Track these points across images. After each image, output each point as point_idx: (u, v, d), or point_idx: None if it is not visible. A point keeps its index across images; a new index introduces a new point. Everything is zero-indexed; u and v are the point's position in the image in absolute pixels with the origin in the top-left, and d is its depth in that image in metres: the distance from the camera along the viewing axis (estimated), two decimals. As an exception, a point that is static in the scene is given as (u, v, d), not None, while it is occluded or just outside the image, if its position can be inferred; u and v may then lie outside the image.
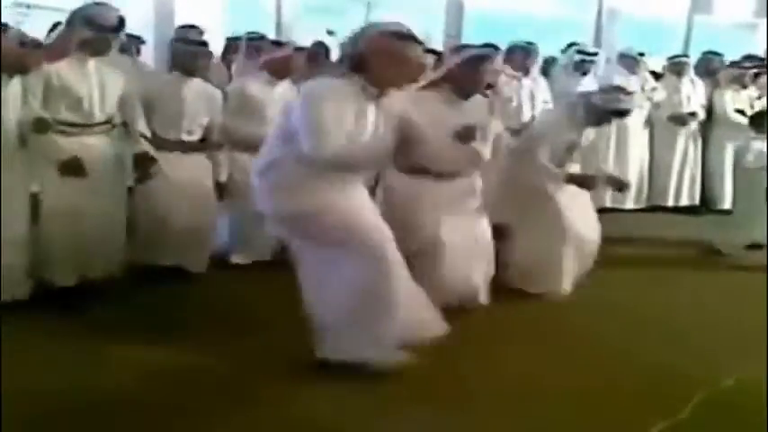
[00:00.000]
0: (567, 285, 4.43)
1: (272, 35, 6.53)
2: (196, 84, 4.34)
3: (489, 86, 4.77)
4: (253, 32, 5.68)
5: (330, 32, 5.97)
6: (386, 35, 3.02)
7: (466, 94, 3.85)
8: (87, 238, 3.84)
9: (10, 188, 3.63)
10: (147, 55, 6.44)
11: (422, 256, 3.59)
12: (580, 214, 4.43)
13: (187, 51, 4.34)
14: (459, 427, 2.89)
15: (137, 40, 6.07)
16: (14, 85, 3.64)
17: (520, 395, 3.13)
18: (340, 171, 3.05)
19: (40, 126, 3.64)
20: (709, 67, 7.52)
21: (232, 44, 6.04)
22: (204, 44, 4.54)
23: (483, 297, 4.04)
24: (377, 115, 3.11)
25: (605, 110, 4.30)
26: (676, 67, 7.30)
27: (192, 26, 5.82)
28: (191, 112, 4.31)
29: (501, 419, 2.92)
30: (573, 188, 4.36)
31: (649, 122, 7.28)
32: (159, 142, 4.17)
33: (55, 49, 3.75)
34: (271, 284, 3.89)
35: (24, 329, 3.45)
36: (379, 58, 2.99)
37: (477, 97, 3.99)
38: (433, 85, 3.81)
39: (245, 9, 7.81)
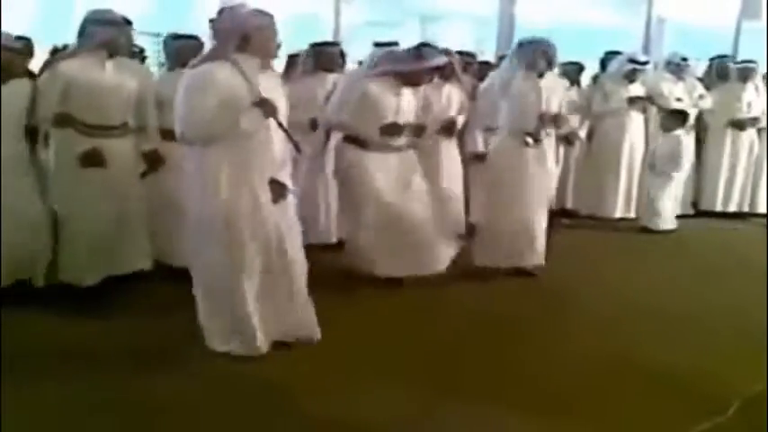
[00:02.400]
0: None
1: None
2: None
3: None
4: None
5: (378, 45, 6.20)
6: None
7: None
8: (107, 237, 4.06)
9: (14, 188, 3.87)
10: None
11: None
12: None
13: (187, 46, 4.55)
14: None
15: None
16: (17, 87, 3.90)
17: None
18: None
19: (61, 120, 3.92)
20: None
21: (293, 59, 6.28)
22: (197, 37, 4.68)
23: None
24: None
25: None
26: (743, 72, 7.25)
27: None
28: None
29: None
30: None
31: (698, 128, 7.25)
32: (166, 135, 4.30)
33: (76, 50, 4.01)
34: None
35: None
36: None
37: None
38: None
39: (305, 24, 8.17)
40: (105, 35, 3.98)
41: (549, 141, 4.95)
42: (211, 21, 3.37)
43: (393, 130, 4.43)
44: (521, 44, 4.88)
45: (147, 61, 6.09)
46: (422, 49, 4.53)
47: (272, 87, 3.41)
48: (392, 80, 4.43)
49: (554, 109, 4.85)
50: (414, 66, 4.43)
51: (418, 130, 4.63)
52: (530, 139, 4.77)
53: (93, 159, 3.98)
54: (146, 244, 4.34)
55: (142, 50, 6.42)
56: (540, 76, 4.79)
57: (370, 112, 4.38)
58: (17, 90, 3.96)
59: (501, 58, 6.51)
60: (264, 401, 3.04)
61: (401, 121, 4.45)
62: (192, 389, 3.12)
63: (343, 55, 5.62)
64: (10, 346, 3.38)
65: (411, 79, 4.46)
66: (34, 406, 2.93)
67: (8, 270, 3.92)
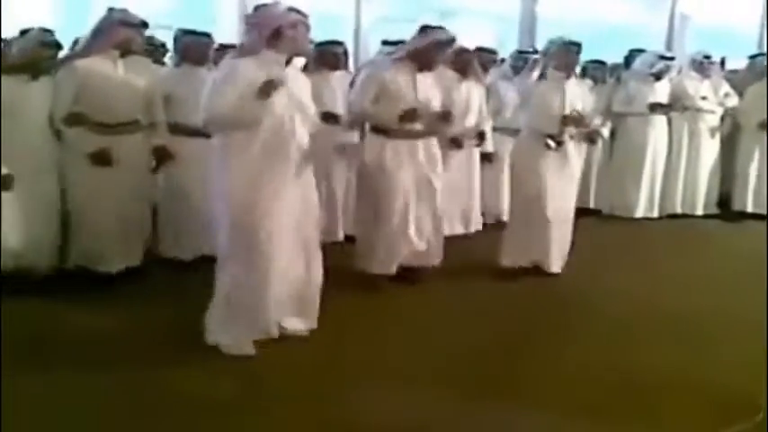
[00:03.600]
0: None
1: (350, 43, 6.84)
2: (203, 73, 4.48)
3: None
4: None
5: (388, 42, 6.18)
6: None
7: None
8: (115, 231, 4.15)
9: (42, 183, 4.01)
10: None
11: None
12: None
13: (196, 42, 4.62)
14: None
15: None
16: (44, 85, 3.98)
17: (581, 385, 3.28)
18: None
19: (73, 120, 3.98)
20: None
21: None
22: (209, 35, 4.81)
23: None
24: None
25: None
26: None
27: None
28: None
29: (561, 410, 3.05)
30: None
31: (723, 128, 7.13)
32: (175, 130, 4.46)
33: (90, 49, 4.06)
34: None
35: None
36: None
37: None
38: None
39: (325, 22, 8.16)
40: (120, 36, 4.03)
41: (573, 145, 4.82)
42: (246, 16, 3.44)
43: (412, 115, 4.36)
44: (551, 44, 4.78)
45: (168, 56, 6.08)
46: (427, 29, 4.43)
47: (299, 84, 3.47)
48: (408, 65, 4.38)
49: (578, 111, 4.75)
50: (421, 42, 4.36)
51: (445, 116, 4.52)
52: (551, 142, 4.69)
53: (101, 159, 4.04)
54: (145, 240, 4.44)
55: (164, 45, 6.43)
56: (567, 77, 4.71)
57: (389, 98, 4.34)
58: (46, 87, 4.03)
59: (520, 53, 6.44)
60: (279, 402, 3.00)
61: (420, 106, 4.38)
62: (207, 383, 3.11)
63: (346, 53, 5.68)
64: (21, 334, 3.45)
65: (424, 60, 4.38)
66: (48, 394, 2.94)
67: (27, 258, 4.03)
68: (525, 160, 4.78)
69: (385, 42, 5.71)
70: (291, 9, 3.36)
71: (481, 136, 5.78)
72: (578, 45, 4.75)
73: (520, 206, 4.83)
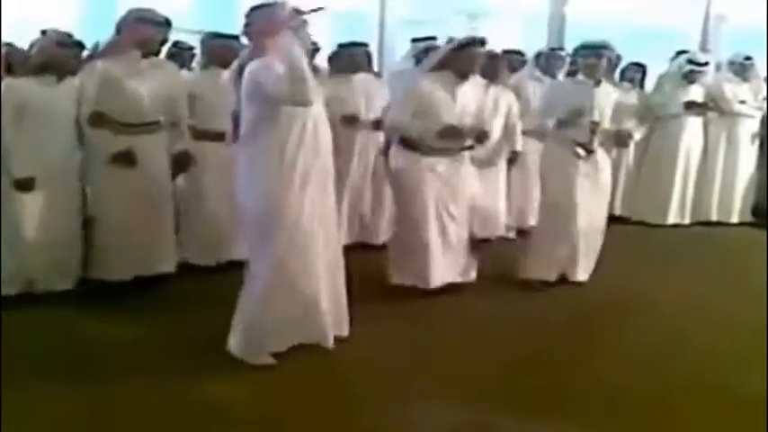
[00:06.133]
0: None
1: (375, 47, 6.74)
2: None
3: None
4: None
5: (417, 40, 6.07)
6: None
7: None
8: (138, 235, 4.06)
9: (66, 185, 3.97)
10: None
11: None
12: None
13: (223, 45, 4.51)
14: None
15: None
16: (69, 86, 3.92)
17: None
18: None
19: (96, 120, 3.92)
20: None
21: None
22: (237, 38, 4.60)
23: None
24: None
25: None
26: None
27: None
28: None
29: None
30: None
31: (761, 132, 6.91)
32: (201, 134, 4.41)
33: (111, 48, 4.02)
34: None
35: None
36: None
37: None
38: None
39: (349, 22, 8.08)
40: (139, 34, 3.98)
41: (602, 153, 4.64)
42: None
43: (450, 133, 4.18)
44: (582, 48, 4.63)
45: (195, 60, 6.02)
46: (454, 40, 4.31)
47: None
48: (447, 75, 4.21)
49: (606, 119, 4.57)
50: (454, 45, 4.20)
51: (479, 137, 4.33)
52: (581, 150, 4.51)
53: (124, 159, 3.99)
54: (172, 246, 4.33)
55: (191, 48, 6.38)
56: (598, 83, 4.54)
57: (427, 113, 4.17)
58: (71, 88, 3.97)
59: (538, 56, 6.25)
60: (306, 412, 2.93)
61: (460, 122, 4.21)
62: (230, 392, 3.04)
63: (369, 55, 5.55)
64: (40, 344, 3.45)
65: (462, 68, 4.20)
66: (66, 403, 2.91)
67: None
68: (553, 168, 4.61)
69: (415, 40, 5.60)
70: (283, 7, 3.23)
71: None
72: (607, 48, 4.59)
73: (548, 216, 4.64)
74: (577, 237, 4.59)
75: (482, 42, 4.31)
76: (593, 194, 4.61)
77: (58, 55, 3.92)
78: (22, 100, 3.81)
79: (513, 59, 5.98)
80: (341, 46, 5.41)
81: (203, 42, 4.80)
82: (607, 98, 4.61)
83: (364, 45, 5.55)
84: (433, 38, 5.51)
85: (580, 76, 4.65)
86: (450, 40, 4.36)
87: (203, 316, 3.73)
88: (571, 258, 4.64)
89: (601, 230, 4.72)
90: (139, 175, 4.03)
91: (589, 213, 4.58)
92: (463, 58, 4.20)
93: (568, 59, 5.69)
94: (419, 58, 5.29)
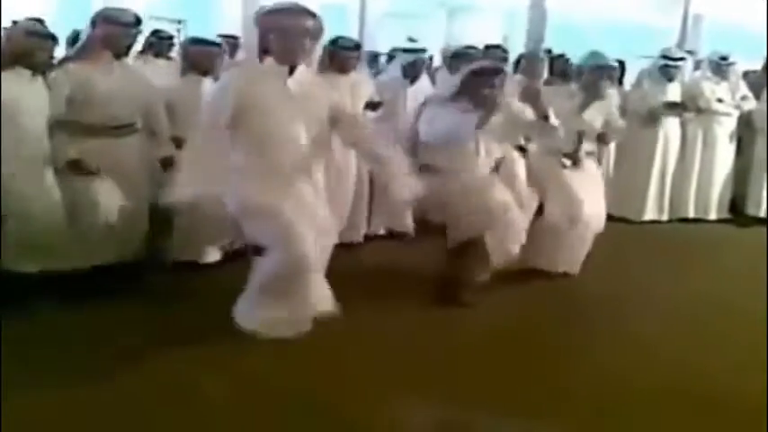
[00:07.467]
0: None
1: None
2: (209, 84, 4.31)
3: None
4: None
5: (411, 39, 6.03)
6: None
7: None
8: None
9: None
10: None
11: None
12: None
13: (204, 52, 4.43)
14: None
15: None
16: (41, 84, 3.77)
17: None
18: None
19: (61, 124, 3.78)
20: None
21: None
22: (219, 44, 4.60)
23: None
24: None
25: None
26: None
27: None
28: None
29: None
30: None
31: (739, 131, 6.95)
32: (181, 143, 4.20)
33: (83, 50, 3.92)
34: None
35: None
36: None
37: None
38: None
39: (331, 16, 8.02)
40: (110, 34, 3.89)
41: (591, 163, 4.65)
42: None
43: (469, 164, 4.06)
44: (586, 67, 4.62)
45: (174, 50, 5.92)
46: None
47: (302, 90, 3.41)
48: (472, 112, 3.95)
49: (597, 126, 4.57)
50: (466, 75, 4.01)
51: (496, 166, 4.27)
52: (567, 161, 4.49)
53: (78, 168, 3.82)
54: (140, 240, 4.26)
55: (171, 37, 6.30)
56: (600, 97, 4.55)
57: (455, 146, 4.04)
58: (43, 86, 3.81)
59: (518, 61, 6.20)
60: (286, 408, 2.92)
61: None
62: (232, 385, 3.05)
63: (359, 54, 5.34)
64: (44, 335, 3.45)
65: (486, 101, 3.94)
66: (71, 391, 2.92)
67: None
68: (538, 183, 4.57)
69: (411, 39, 5.56)
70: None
71: None
72: (610, 65, 4.64)
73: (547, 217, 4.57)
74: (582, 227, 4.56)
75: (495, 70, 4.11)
76: (590, 191, 4.57)
77: (27, 46, 3.73)
78: None
79: (496, 56, 5.92)
80: (331, 45, 4.99)
81: (183, 47, 4.68)
82: (600, 111, 4.64)
83: (353, 45, 5.17)
84: (423, 50, 5.48)
85: (573, 86, 4.63)
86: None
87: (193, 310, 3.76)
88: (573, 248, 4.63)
89: (598, 229, 4.70)
90: (112, 175, 3.88)
91: (590, 210, 4.53)
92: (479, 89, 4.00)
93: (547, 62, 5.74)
94: (406, 70, 5.29)
